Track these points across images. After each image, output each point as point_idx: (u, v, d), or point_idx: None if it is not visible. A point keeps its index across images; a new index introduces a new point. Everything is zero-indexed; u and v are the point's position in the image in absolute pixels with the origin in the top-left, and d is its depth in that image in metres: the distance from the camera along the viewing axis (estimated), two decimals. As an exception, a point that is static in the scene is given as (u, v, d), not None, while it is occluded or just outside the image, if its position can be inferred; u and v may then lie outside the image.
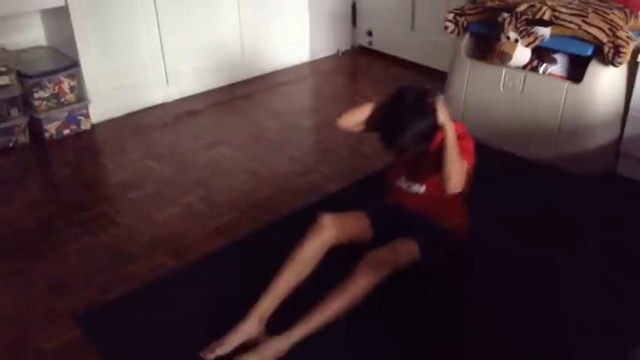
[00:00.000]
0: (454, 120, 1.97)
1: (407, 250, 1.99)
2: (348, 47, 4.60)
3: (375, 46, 4.48)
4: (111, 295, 2.11)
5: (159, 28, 3.53)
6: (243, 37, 3.94)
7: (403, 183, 2.16)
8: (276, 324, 1.85)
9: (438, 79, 3.44)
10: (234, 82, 4.00)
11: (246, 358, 1.76)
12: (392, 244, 1.98)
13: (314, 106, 3.94)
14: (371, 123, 2.05)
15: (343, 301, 1.82)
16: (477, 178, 2.11)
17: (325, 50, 4.47)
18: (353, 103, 3.75)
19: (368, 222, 2.10)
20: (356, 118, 2.07)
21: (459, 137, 1.95)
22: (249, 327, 1.83)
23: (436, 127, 1.91)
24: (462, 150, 1.94)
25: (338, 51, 4.53)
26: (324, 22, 4.37)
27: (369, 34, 4.48)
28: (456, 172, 1.89)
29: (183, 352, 1.85)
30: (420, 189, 2.11)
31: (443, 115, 1.89)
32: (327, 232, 1.95)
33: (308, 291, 1.89)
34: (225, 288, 2.10)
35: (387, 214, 2.14)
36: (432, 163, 1.98)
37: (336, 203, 2.56)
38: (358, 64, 4.48)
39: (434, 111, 1.88)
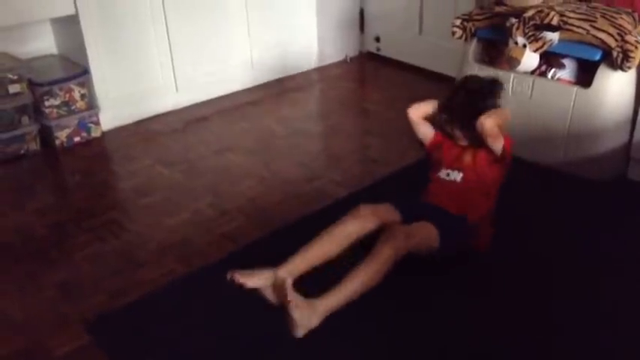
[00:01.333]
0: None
1: (426, 230, 2.07)
2: (356, 53, 4.61)
3: (383, 52, 4.48)
4: (121, 301, 2.12)
5: (168, 36, 3.56)
6: (251, 44, 3.96)
7: (443, 173, 2.30)
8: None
9: (446, 84, 3.43)
10: (242, 88, 4.02)
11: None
12: (412, 224, 2.07)
13: (322, 112, 3.94)
14: (436, 116, 2.35)
15: (367, 274, 1.89)
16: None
17: (333, 56, 4.49)
18: (362, 111, 3.81)
19: (399, 215, 2.16)
20: (425, 110, 2.37)
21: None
22: (278, 273, 1.93)
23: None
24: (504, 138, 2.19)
25: (346, 57, 4.55)
26: (332, 28, 4.39)
27: (377, 39, 4.49)
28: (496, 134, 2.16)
29: (191, 357, 1.86)
30: (458, 176, 2.25)
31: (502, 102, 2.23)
32: (363, 222, 2.06)
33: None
34: (234, 294, 2.10)
35: (413, 206, 2.22)
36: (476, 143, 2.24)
37: (345, 209, 2.56)
38: (366, 69, 4.49)
39: (498, 96, 2.23)
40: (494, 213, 2.29)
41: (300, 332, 1.83)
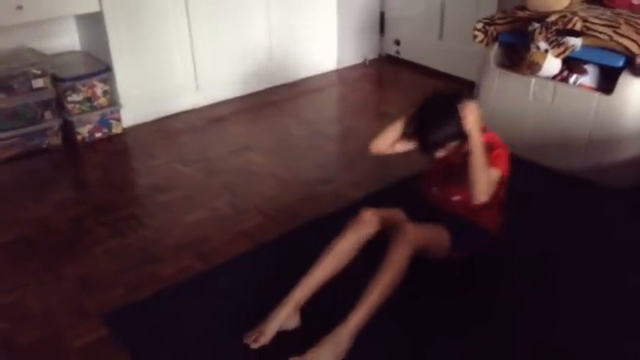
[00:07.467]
0: (485, 128, 2.00)
1: (435, 230, 2.03)
2: (376, 56, 4.61)
3: (403, 55, 4.48)
4: (138, 295, 2.14)
5: (190, 36, 3.59)
6: (272, 45, 3.98)
7: (436, 192, 2.19)
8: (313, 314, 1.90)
9: (467, 88, 3.42)
10: (262, 89, 4.03)
11: (310, 355, 1.76)
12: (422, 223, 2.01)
13: (340, 114, 3.95)
14: (405, 136, 2.09)
15: (385, 280, 1.83)
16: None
17: (352, 59, 4.49)
18: (380, 114, 3.81)
19: (405, 217, 2.11)
20: (388, 138, 2.12)
21: (492, 145, 1.99)
22: (285, 313, 1.87)
23: (464, 133, 1.93)
24: (495, 158, 1.98)
25: (365, 59, 4.55)
26: (351, 30, 4.40)
27: (397, 43, 4.49)
28: (481, 182, 1.91)
29: (207, 351, 1.88)
30: (455, 197, 2.13)
31: (469, 124, 1.91)
32: (365, 228, 1.99)
33: (345, 284, 1.91)
34: (249, 291, 2.12)
35: (423, 210, 2.18)
36: (461, 175, 1.97)
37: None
38: (385, 72, 4.49)
39: (460, 118, 1.92)
40: (505, 203, 2.19)
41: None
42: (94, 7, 3.19)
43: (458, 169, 2.02)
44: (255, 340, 1.84)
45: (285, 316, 1.87)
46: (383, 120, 3.71)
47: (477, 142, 1.91)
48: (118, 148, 3.35)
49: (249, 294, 2.10)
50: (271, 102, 3.89)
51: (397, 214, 2.11)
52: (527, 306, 2.06)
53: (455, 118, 1.93)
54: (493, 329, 1.96)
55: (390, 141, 2.12)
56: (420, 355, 1.87)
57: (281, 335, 1.87)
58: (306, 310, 1.92)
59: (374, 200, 2.66)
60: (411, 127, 2.05)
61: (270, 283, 2.12)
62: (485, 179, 1.92)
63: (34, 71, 3.13)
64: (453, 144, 2.00)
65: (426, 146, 2.02)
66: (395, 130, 2.10)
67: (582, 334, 1.93)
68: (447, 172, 2.13)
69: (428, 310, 2.03)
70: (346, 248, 1.96)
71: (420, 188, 2.26)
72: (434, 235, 2.02)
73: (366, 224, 1.99)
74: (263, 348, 1.83)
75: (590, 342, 1.90)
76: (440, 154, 2.05)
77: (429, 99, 2.03)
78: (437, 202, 2.19)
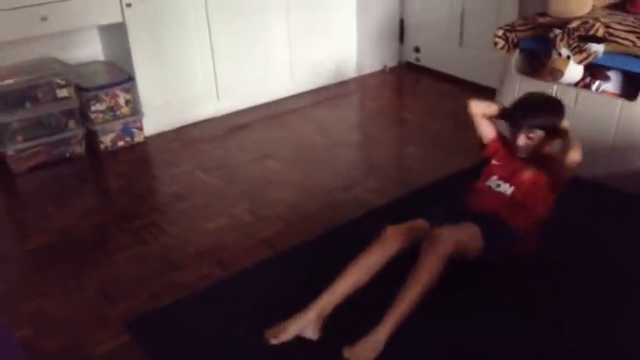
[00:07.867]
0: None
1: (468, 230, 2.05)
2: (395, 63, 4.60)
3: (423, 63, 4.47)
4: (160, 303, 2.16)
5: (211, 45, 3.62)
6: (291, 53, 4.00)
7: (493, 182, 2.26)
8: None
9: (487, 95, 3.40)
10: (282, 96, 4.05)
11: (348, 352, 1.80)
12: (454, 225, 2.04)
13: (360, 122, 3.95)
14: (497, 116, 2.35)
15: (419, 284, 1.85)
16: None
17: (372, 66, 4.49)
18: (400, 121, 3.80)
19: (429, 227, 2.11)
20: (484, 109, 2.36)
21: None
22: (307, 317, 1.89)
23: (556, 130, 2.19)
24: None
25: (385, 67, 4.54)
26: (371, 38, 4.40)
27: (417, 50, 4.48)
28: (578, 149, 2.11)
29: (227, 358, 1.88)
30: (508, 190, 2.21)
31: (567, 123, 2.19)
32: (390, 245, 2.01)
33: (369, 299, 1.92)
34: (269, 297, 2.12)
35: (450, 215, 2.17)
36: (535, 160, 2.23)
37: (382, 218, 2.56)
38: (405, 80, 4.48)
39: (559, 115, 2.20)
40: (543, 228, 2.24)
41: None
42: (116, 18, 3.24)
43: (528, 158, 2.23)
44: (275, 336, 1.87)
45: (306, 321, 1.89)
46: (403, 127, 3.72)
47: (573, 135, 2.15)
48: (140, 157, 3.39)
49: (269, 301, 2.10)
50: (291, 110, 3.91)
51: (422, 225, 2.11)
52: (549, 310, 2.04)
53: (554, 112, 2.21)
54: (512, 330, 1.94)
55: (484, 111, 2.35)
56: (437, 354, 1.87)
57: (300, 346, 1.87)
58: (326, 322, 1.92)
59: (396, 207, 2.67)
60: (507, 110, 2.31)
61: (291, 290, 2.12)
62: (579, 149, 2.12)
63: (59, 81, 3.18)
64: (539, 134, 2.19)
65: (519, 122, 2.20)
66: (494, 106, 2.37)
67: (603, 339, 1.91)
68: (520, 158, 2.26)
69: (442, 309, 2.01)
70: (370, 263, 1.97)
71: (472, 183, 2.32)
72: (467, 235, 2.03)
73: (391, 241, 2.01)
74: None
75: (612, 347, 1.88)
76: (521, 141, 2.20)
77: (533, 93, 2.36)
78: (480, 198, 2.22)
